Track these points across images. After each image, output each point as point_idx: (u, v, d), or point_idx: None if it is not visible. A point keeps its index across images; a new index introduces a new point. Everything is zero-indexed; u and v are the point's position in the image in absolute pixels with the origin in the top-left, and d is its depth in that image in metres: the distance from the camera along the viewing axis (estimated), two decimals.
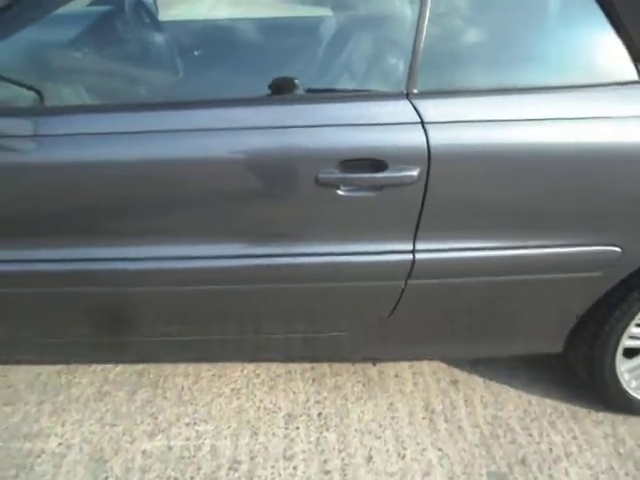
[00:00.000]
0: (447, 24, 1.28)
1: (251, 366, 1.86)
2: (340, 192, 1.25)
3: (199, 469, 1.52)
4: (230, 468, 1.52)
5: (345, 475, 1.50)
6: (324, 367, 1.87)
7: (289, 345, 1.58)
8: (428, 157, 1.22)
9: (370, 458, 1.56)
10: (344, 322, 1.49)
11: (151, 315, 1.45)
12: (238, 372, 1.84)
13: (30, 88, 1.25)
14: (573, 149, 1.23)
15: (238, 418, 1.67)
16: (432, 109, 1.23)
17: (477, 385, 1.81)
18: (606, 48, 1.27)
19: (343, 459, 1.55)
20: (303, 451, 1.57)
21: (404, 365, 1.88)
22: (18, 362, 1.85)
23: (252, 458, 1.55)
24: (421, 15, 1.22)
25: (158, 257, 1.32)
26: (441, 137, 1.22)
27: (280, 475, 1.50)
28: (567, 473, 1.53)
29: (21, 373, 1.82)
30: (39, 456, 1.55)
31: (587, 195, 1.28)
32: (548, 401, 1.75)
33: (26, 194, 1.25)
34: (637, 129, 1.24)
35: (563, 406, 1.74)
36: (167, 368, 1.85)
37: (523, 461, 1.56)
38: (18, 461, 1.53)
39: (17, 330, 1.50)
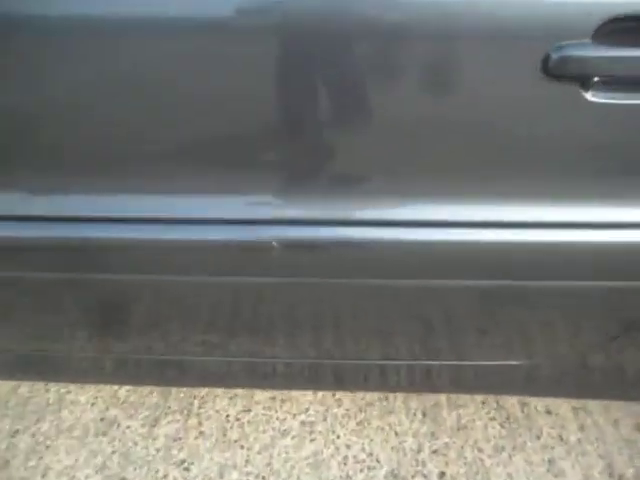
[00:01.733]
0: None
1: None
2: (589, 95, 0.58)
3: None
4: None
5: None
6: (441, 399, 1.24)
7: (430, 376, 0.95)
8: None
9: None
10: (549, 345, 0.84)
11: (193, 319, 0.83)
12: (309, 396, 1.22)
13: None
14: None
15: (315, 477, 1.06)
16: None
17: None
18: None
19: None
20: None
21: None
22: None
23: None
24: None
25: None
26: None
27: None
28: None
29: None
30: None
31: None
32: None
33: None
34: None
35: None
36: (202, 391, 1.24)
37: None
38: None
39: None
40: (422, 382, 0.94)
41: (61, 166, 0.67)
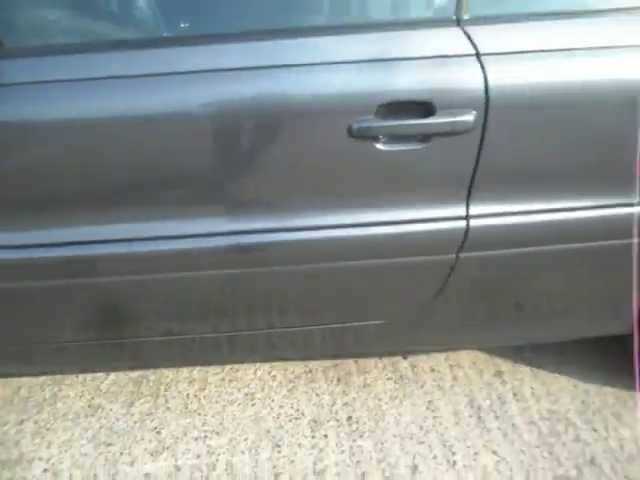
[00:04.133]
0: None
1: (265, 367, 1.62)
2: (379, 145, 1.01)
3: None
4: None
5: None
6: (349, 364, 1.63)
7: (312, 340, 1.34)
8: (486, 98, 0.99)
9: (415, 467, 1.32)
10: (380, 309, 1.25)
11: (149, 309, 1.20)
12: (251, 375, 1.60)
13: None
14: None
15: (256, 428, 1.43)
16: (489, 38, 0.99)
17: (525, 375, 1.59)
18: None
19: (384, 470, 1.32)
20: (336, 463, 1.33)
21: (439, 357, 1.65)
22: None
23: (276, 475, 1.31)
24: None
25: (155, 237, 1.07)
26: (502, 72, 0.99)
27: None
28: None
29: None
30: None
31: None
32: (608, 389, 1.53)
33: None
34: None
35: (626, 394, 1.52)
36: (168, 374, 1.60)
37: (592, 461, 1.34)
38: None
39: None
40: (322, 345, 1.34)
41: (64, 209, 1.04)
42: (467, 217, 1.09)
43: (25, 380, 1.58)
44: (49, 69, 0.97)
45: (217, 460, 1.34)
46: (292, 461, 1.34)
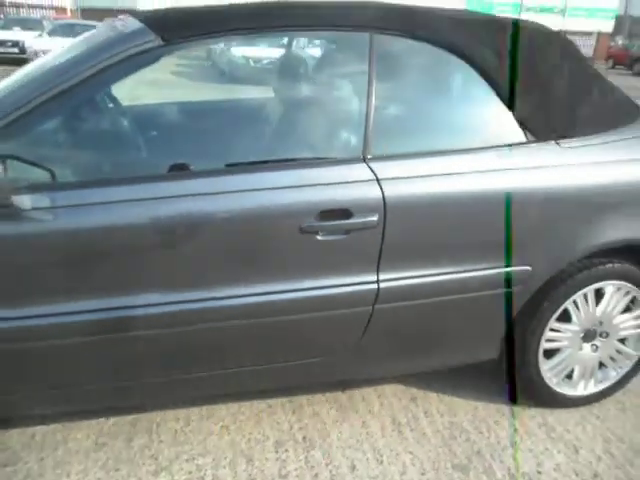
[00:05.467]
0: (386, 108, 1.69)
1: (235, 405, 2.06)
2: (318, 237, 1.58)
3: None
4: None
5: None
6: (300, 399, 2.11)
7: (271, 375, 1.83)
8: (384, 205, 1.59)
9: (354, 467, 1.80)
10: (321, 348, 1.77)
11: (154, 357, 1.65)
12: (224, 411, 2.04)
13: (43, 167, 1.48)
14: (489, 195, 1.66)
15: (232, 450, 1.86)
16: (383, 169, 1.61)
17: (432, 399, 2.13)
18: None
19: (331, 471, 1.78)
20: (295, 469, 1.79)
21: (369, 389, 2.17)
22: (6, 426, 1.93)
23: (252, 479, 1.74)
24: (369, 100, 1.63)
25: (162, 302, 1.55)
26: (392, 189, 1.60)
27: None
28: (515, 458, 1.85)
29: (15, 436, 1.90)
30: None
31: (505, 226, 1.70)
32: (492, 405, 2.10)
33: (49, 259, 1.47)
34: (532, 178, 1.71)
35: (504, 407, 2.09)
36: (157, 416, 2.01)
37: (479, 452, 1.87)
38: None
39: (27, 383, 1.64)
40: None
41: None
42: (378, 281, 1.66)
43: (38, 428, 1.94)
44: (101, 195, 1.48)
45: (205, 474, 1.76)
46: (262, 470, 1.78)
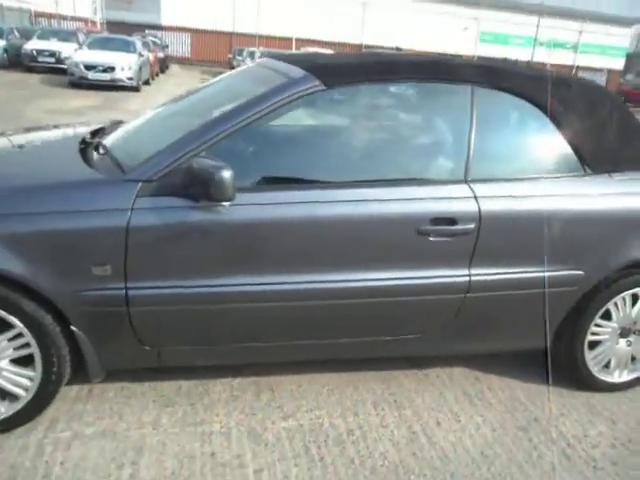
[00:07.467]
0: (482, 142, 2.21)
1: (335, 375, 2.54)
2: (430, 238, 2.08)
3: (326, 439, 2.16)
4: (348, 434, 2.18)
5: (429, 437, 2.21)
6: (385, 374, 2.58)
7: (376, 346, 2.31)
8: (479, 217, 2.10)
9: (439, 423, 2.28)
10: (421, 325, 2.26)
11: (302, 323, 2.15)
12: (327, 378, 2.51)
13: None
14: (557, 214, 2.17)
15: (340, 406, 2.34)
16: (480, 189, 2.12)
17: (493, 380, 2.61)
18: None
19: (421, 425, 2.26)
20: (392, 422, 2.26)
21: (440, 370, 2.64)
22: (156, 378, 2.40)
23: (361, 427, 2.21)
24: (469, 136, 2.15)
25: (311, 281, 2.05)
26: (486, 205, 2.11)
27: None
28: (564, 424, 2.33)
29: (166, 387, 2.38)
30: (210, 435, 2.12)
31: (567, 238, 2.21)
32: (543, 387, 2.58)
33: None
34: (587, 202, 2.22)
35: (553, 389, 2.56)
36: (272, 380, 2.48)
37: (536, 419, 2.35)
38: (196, 439, 2.08)
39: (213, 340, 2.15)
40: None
41: None
42: (469, 275, 2.16)
43: (182, 382, 2.41)
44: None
45: (323, 421, 2.23)
46: (367, 421, 2.25)
